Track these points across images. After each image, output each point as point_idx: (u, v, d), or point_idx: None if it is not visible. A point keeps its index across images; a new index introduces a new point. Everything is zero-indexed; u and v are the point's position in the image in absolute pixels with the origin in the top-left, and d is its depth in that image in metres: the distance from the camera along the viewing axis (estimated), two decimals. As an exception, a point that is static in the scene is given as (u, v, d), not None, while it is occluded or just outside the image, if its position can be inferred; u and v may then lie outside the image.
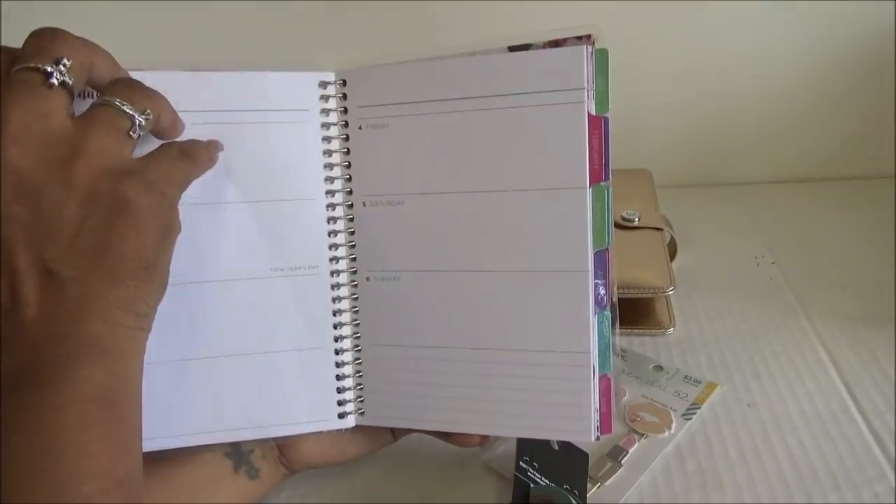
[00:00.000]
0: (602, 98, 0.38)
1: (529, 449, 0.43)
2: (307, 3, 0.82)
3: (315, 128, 0.41)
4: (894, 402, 0.50)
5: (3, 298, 0.28)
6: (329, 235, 0.42)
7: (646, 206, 0.69)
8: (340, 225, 0.42)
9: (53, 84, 0.30)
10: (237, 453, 0.43)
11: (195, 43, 0.85)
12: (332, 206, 0.42)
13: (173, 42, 0.85)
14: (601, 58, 0.38)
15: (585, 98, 0.37)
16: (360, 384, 0.43)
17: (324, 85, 0.41)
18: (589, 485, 0.44)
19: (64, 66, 0.31)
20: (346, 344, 0.42)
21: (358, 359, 0.42)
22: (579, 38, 0.38)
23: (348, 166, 0.42)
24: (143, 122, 0.32)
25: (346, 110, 0.41)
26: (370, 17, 0.82)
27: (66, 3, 0.83)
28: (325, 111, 0.41)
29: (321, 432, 0.42)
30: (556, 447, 0.43)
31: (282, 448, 0.44)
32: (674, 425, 0.49)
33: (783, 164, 0.89)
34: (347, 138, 0.42)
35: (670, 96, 0.85)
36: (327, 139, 0.41)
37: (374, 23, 0.83)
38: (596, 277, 0.38)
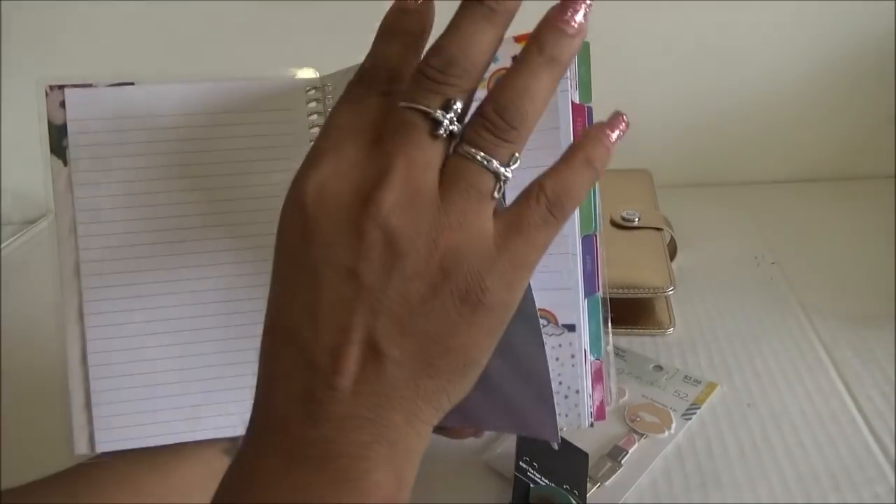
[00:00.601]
0: (585, 88, 0.39)
1: (529, 449, 0.44)
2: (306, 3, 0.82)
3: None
4: (894, 402, 0.50)
5: (325, 358, 0.26)
6: None
7: (646, 206, 0.69)
8: None
9: (440, 136, 0.27)
10: (236, 450, 0.43)
11: (196, 43, 0.85)
12: None
13: (176, 43, 0.85)
14: (583, 50, 0.38)
15: (569, 87, 0.38)
16: None
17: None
18: (589, 485, 0.44)
19: (455, 112, 0.27)
20: None
21: None
22: None
23: None
24: (509, 177, 0.27)
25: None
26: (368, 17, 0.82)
27: (66, 4, 0.83)
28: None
29: None
30: (556, 447, 0.43)
31: None
32: (674, 425, 0.49)
33: (783, 164, 0.89)
34: None
35: (670, 96, 0.85)
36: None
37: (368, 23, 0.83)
38: (584, 261, 0.39)
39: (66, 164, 0.40)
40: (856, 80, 0.82)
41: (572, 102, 0.38)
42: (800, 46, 0.82)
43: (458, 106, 0.27)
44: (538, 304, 0.38)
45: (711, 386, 0.53)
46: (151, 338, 0.41)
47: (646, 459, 0.47)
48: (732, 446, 0.47)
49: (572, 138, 0.38)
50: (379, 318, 0.26)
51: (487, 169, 0.27)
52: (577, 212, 0.38)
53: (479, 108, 0.27)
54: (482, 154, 0.27)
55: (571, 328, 0.39)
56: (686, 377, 0.54)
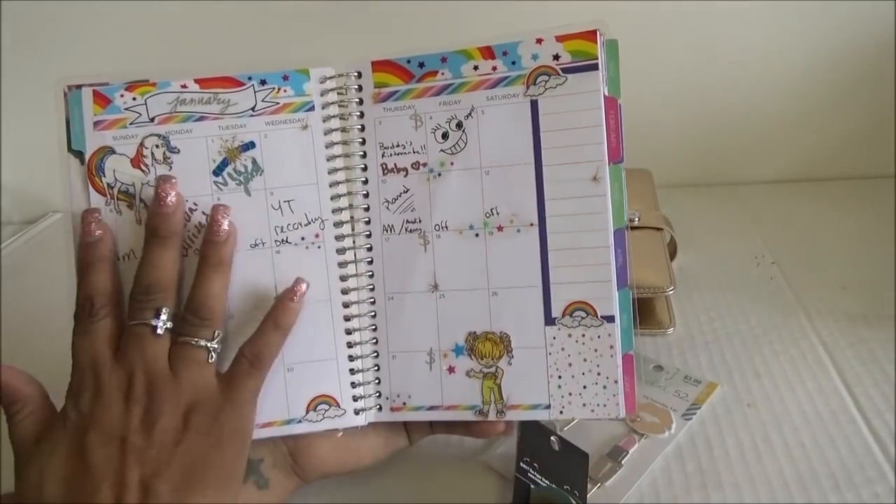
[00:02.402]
0: (614, 84, 0.40)
1: (530, 450, 0.43)
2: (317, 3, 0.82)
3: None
4: (894, 402, 0.50)
5: None
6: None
7: (646, 206, 0.69)
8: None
9: (160, 335, 0.38)
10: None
11: (199, 43, 0.85)
12: None
13: (180, 42, 0.85)
14: (612, 47, 0.40)
15: (601, 80, 0.39)
16: (377, 378, 0.43)
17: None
18: (589, 485, 0.44)
19: (165, 315, 0.38)
20: (362, 350, 0.43)
21: (377, 366, 0.43)
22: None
23: None
24: (217, 347, 0.39)
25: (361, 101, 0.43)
26: (383, 15, 0.82)
27: (66, 4, 0.83)
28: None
29: (336, 438, 0.43)
30: (557, 448, 0.43)
31: (295, 455, 0.43)
32: (674, 425, 0.49)
33: (783, 164, 0.89)
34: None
35: (670, 96, 0.85)
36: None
37: (385, 21, 0.83)
38: (616, 255, 0.39)
39: (82, 163, 0.41)
40: (856, 80, 0.82)
41: (604, 96, 0.39)
42: (800, 46, 0.82)
43: (165, 311, 0.38)
44: (576, 297, 0.40)
45: (711, 386, 0.53)
46: None
47: (646, 459, 0.47)
48: (732, 446, 0.47)
49: (605, 128, 0.39)
50: (150, 466, 0.35)
51: (197, 345, 0.38)
52: (609, 206, 0.39)
53: (183, 311, 0.39)
54: (193, 339, 0.38)
55: (610, 319, 0.40)
56: (686, 377, 0.54)
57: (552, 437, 0.43)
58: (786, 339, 0.58)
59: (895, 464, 0.45)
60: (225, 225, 0.40)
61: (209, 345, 0.38)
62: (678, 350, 0.58)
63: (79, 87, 0.41)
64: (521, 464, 0.43)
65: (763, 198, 0.84)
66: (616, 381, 0.40)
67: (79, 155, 0.41)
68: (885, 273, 0.65)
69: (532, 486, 0.43)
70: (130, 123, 0.41)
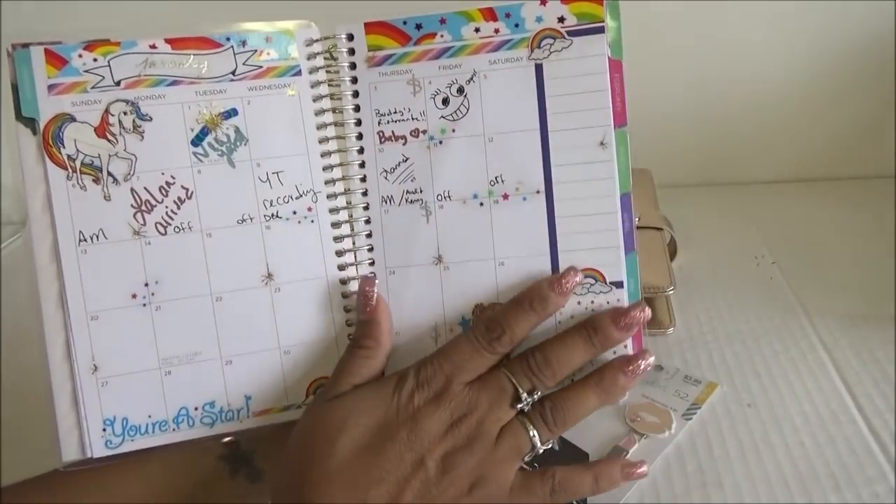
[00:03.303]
0: (617, 45, 0.39)
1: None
2: None
3: None
4: (894, 402, 0.50)
5: None
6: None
7: (646, 206, 0.69)
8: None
9: (516, 408, 0.37)
10: (234, 456, 0.41)
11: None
12: None
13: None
14: (613, 7, 0.39)
15: (605, 41, 0.39)
16: None
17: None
18: (589, 485, 0.44)
19: (534, 398, 0.37)
20: None
21: None
22: None
23: None
24: (536, 454, 0.37)
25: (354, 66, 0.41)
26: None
27: (66, 4, 0.83)
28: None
29: None
30: (557, 447, 0.43)
31: None
32: (674, 425, 0.49)
33: (783, 164, 0.89)
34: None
35: (670, 96, 0.85)
36: None
37: None
38: (623, 219, 0.39)
39: (35, 132, 0.37)
40: (855, 80, 0.83)
41: (608, 58, 0.39)
42: (800, 46, 0.82)
43: (538, 394, 0.37)
44: (585, 264, 0.40)
45: (711, 386, 0.53)
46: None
47: (646, 459, 0.47)
48: (732, 446, 0.47)
49: (610, 92, 0.39)
50: (421, 497, 0.34)
51: (531, 442, 0.37)
52: (616, 171, 0.39)
53: (542, 400, 0.37)
54: (534, 432, 0.37)
55: (619, 285, 0.40)
56: (686, 377, 0.54)
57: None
58: (786, 339, 0.58)
59: (895, 464, 0.45)
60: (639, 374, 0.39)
61: (538, 447, 0.37)
62: (678, 350, 0.58)
63: (25, 45, 0.36)
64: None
65: (763, 198, 0.84)
66: (626, 346, 0.40)
67: (30, 123, 0.37)
68: (885, 273, 0.65)
69: (532, 486, 0.43)
70: (92, 87, 0.37)
